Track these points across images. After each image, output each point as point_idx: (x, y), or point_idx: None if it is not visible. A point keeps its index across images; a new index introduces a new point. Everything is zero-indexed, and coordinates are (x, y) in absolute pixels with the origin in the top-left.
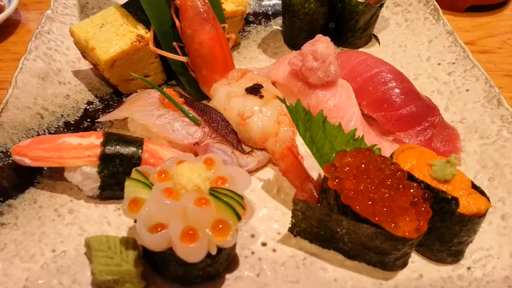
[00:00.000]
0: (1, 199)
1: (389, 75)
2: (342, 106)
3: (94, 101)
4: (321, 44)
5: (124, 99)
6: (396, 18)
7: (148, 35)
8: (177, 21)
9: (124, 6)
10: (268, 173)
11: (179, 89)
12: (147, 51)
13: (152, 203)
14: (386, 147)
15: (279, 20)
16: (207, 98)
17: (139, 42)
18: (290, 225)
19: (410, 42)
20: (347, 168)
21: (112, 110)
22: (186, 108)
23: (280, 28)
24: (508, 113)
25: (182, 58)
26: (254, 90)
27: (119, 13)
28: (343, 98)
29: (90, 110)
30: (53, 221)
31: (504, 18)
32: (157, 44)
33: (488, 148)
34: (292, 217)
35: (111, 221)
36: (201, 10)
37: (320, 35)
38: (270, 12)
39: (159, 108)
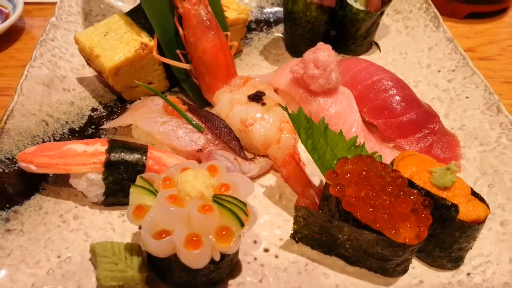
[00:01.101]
0: (7, 205)
1: (389, 82)
2: (343, 113)
3: (98, 108)
4: (323, 52)
5: (128, 106)
6: (397, 25)
7: (152, 43)
8: (180, 29)
9: (128, 14)
10: (270, 179)
11: (182, 96)
12: (151, 59)
13: (156, 210)
14: (387, 154)
15: (280, 27)
16: (210, 105)
17: (143, 49)
18: (292, 231)
19: (411, 49)
20: (348, 175)
21: (116, 117)
22: (189, 115)
23: (281, 36)
24: (507, 120)
25: (185, 66)
26: (257, 97)
27: (123, 21)
28: (344, 105)
29: (94, 117)
30: (58, 227)
31: (504, 25)
32: (161, 51)
33: (488, 155)
34: (294, 223)
35: (116, 227)
36: (204, 18)
37: (321, 43)
38: (271, 20)
39: (162, 115)
